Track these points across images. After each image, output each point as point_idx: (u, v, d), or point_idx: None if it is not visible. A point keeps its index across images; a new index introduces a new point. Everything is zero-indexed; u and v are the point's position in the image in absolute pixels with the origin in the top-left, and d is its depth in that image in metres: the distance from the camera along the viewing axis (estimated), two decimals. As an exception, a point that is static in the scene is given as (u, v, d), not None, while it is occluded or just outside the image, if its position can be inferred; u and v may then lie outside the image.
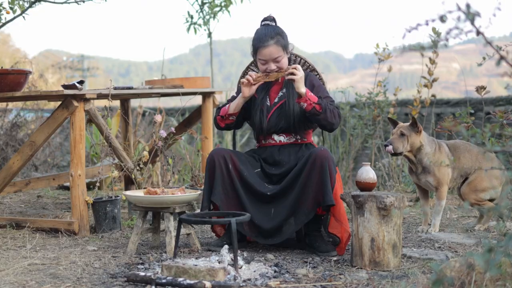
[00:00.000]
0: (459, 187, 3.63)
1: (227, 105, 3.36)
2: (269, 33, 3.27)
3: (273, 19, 3.38)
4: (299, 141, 3.33)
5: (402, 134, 3.40)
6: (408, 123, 3.44)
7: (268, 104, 3.32)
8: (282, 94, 3.33)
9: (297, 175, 3.12)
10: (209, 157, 3.22)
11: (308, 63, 3.54)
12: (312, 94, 3.17)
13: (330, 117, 3.16)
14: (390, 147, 3.38)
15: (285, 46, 3.29)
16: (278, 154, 3.29)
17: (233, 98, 3.40)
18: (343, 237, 3.10)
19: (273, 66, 3.26)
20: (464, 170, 3.52)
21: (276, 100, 3.33)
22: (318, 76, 3.51)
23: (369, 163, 3.09)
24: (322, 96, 3.25)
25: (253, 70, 3.62)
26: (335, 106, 3.24)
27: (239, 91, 3.43)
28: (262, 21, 3.39)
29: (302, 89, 3.13)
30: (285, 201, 3.14)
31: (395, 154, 3.40)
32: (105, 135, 3.87)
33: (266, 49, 3.24)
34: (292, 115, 3.26)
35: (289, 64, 3.34)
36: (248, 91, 3.26)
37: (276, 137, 3.32)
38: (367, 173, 2.94)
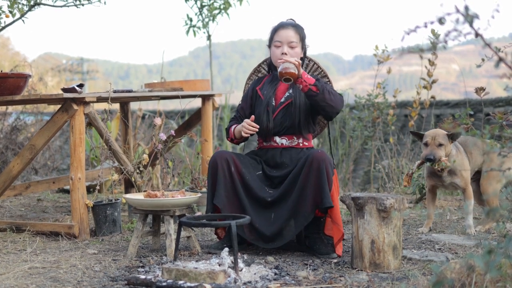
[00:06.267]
0: (475, 181, 3.68)
1: (233, 127, 3.38)
2: (291, 22, 3.38)
3: None
4: (301, 145, 3.33)
5: (440, 145, 3.40)
6: (443, 132, 3.43)
7: (274, 104, 3.32)
8: (288, 94, 3.34)
9: (295, 178, 3.12)
10: (212, 160, 3.21)
11: (320, 68, 3.56)
12: (309, 76, 3.16)
13: (329, 98, 3.13)
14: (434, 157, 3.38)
15: (302, 39, 3.36)
16: (280, 157, 3.29)
17: (241, 109, 3.43)
18: (336, 237, 3.09)
19: (286, 49, 3.29)
20: (476, 163, 3.59)
21: (282, 100, 3.33)
22: (328, 82, 3.52)
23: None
24: None
25: (264, 69, 3.62)
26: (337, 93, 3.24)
27: (245, 98, 3.45)
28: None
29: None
30: (284, 205, 3.13)
31: (434, 161, 3.40)
32: (105, 138, 3.87)
33: (284, 30, 3.31)
34: (298, 115, 3.27)
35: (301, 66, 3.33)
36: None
37: (278, 139, 3.32)
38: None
